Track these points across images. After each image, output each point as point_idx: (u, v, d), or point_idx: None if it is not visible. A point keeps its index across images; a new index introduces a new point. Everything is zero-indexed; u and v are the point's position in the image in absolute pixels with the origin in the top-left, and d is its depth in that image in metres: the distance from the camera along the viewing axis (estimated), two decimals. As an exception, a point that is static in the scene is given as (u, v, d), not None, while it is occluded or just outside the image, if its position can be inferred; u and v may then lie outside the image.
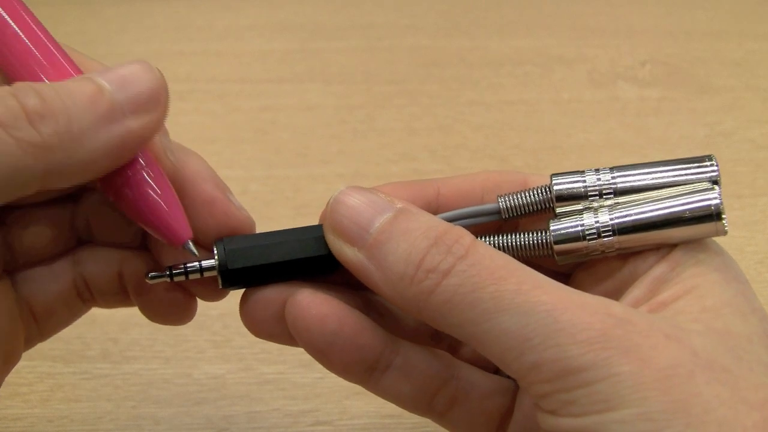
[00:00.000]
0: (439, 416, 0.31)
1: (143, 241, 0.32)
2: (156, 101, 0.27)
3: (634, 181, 0.30)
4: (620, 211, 0.29)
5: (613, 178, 0.30)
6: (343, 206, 0.29)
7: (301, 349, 0.30)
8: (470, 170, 0.54)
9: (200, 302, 0.33)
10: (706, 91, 0.62)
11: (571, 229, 0.30)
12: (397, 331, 0.31)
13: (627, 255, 0.30)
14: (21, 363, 0.32)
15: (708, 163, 0.30)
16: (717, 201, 0.28)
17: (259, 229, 0.31)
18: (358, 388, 0.31)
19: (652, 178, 0.30)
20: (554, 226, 0.30)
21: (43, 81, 0.27)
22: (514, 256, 0.28)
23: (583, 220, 0.30)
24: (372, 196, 0.29)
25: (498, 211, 0.32)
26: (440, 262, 0.27)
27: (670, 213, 0.29)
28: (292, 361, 0.43)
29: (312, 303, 0.29)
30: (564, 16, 0.70)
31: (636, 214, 0.29)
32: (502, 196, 0.32)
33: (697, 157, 0.30)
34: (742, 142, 0.57)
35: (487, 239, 0.31)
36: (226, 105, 0.61)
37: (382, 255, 0.28)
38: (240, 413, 0.41)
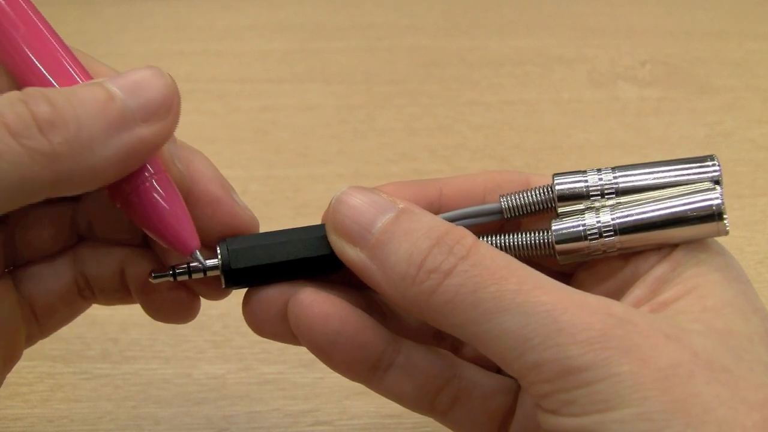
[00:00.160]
0: (441, 415, 0.31)
1: (144, 238, 0.32)
2: (167, 108, 0.27)
3: (636, 180, 0.30)
4: (622, 211, 0.29)
5: (614, 177, 0.30)
6: (346, 206, 0.29)
7: (302, 349, 0.30)
8: (470, 170, 0.54)
9: (200, 302, 0.33)
10: (706, 91, 0.62)
11: (572, 229, 0.30)
12: (399, 330, 0.31)
13: (628, 255, 0.30)
14: (21, 363, 0.32)
15: (710, 163, 0.30)
16: (718, 201, 0.28)
17: (260, 229, 0.31)
18: (358, 388, 0.31)
19: (654, 178, 0.30)
20: (556, 225, 0.30)
21: (53, 85, 0.27)
22: (515, 256, 0.28)
23: (584, 219, 0.30)
24: (374, 196, 0.29)
25: (500, 211, 0.32)
26: (442, 263, 0.27)
27: (672, 213, 0.29)
28: (292, 361, 0.43)
29: (314, 302, 0.29)
30: (564, 16, 0.70)
31: (637, 214, 0.29)
32: (504, 195, 0.32)
33: (698, 157, 0.30)
34: (742, 142, 0.57)
35: (489, 239, 0.31)
36: (226, 105, 0.61)
37: (384, 255, 0.28)
38: (240, 413, 0.41)
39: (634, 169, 0.30)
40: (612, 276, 0.30)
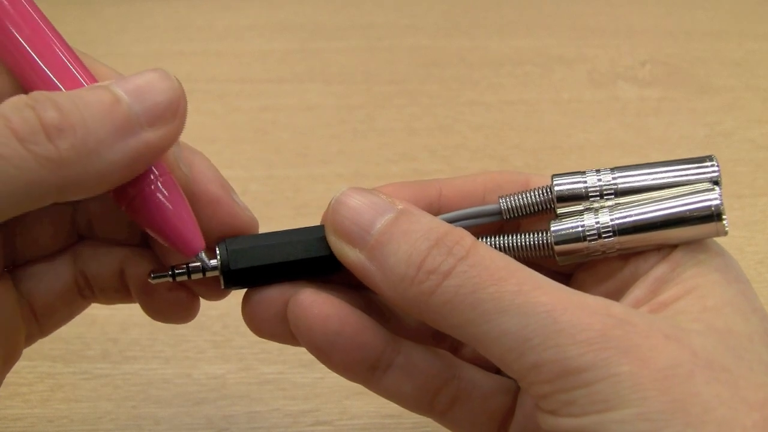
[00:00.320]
0: (440, 416, 0.31)
1: (144, 238, 0.32)
2: (173, 112, 0.27)
3: (635, 181, 0.30)
4: (621, 212, 0.29)
5: (613, 178, 0.30)
6: (345, 207, 0.29)
7: (301, 349, 0.30)
8: (470, 170, 0.54)
9: (200, 302, 0.33)
10: (706, 91, 0.62)
11: (571, 230, 0.30)
12: (398, 331, 0.31)
13: (628, 255, 0.30)
14: (21, 363, 0.32)
15: (709, 164, 0.30)
16: (717, 201, 0.28)
17: (260, 229, 0.31)
18: (358, 388, 0.31)
19: (653, 179, 0.30)
20: (555, 226, 0.30)
21: (57, 86, 0.27)
22: (515, 257, 0.28)
23: (583, 220, 0.30)
24: (373, 198, 0.29)
25: (499, 212, 0.32)
26: (441, 264, 0.27)
27: (671, 213, 0.29)
28: (292, 361, 0.43)
29: (314, 303, 0.29)
30: (564, 16, 0.70)
31: (637, 214, 0.29)
32: (503, 196, 0.32)
33: (697, 158, 0.30)
34: (742, 142, 0.57)
35: (489, 240, 0.31)
36: (226, 105, 0.61)
37: (383, 256, 0.28)
38: (240, 413, 0.41)
39: (633, 170, 0.30)
40: (611, 276, 0.30)
